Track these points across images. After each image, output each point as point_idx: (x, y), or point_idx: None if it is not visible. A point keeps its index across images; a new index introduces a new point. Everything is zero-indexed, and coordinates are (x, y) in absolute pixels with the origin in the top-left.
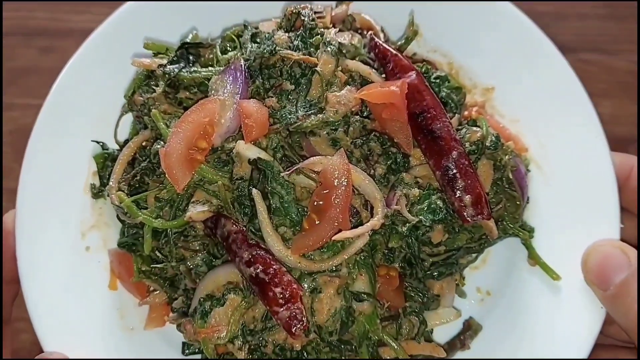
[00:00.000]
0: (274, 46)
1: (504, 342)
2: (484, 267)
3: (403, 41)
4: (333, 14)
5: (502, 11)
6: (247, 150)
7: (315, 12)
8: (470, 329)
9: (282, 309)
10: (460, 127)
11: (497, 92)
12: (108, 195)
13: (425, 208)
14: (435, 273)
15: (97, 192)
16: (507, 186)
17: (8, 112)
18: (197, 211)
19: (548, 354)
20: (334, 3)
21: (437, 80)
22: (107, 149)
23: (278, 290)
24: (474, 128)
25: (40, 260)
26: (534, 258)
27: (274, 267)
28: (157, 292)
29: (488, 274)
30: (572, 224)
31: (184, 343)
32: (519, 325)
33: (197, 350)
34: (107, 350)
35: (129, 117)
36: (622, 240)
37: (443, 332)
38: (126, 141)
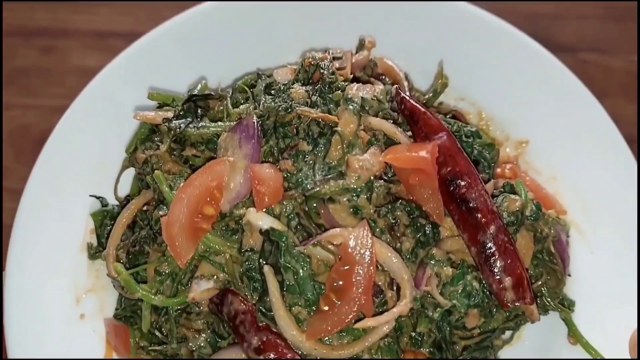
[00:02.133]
0: (290, 102)
1: None
2: (519, 343)
3: (431, 94)
4: (353, 60)
5: (534, 56)
6: (259, 219)
7: (334, 58)
8: None
9: None
10: (496, 193)
11: (532, 145)
12: (105, 260)
13: (460, 291)
14: (468, 358)
15: (94, 253)
16: (547, 259)
17: (8, 112)
18: (201, 290)
19: None
20: (353, 47)
21: (469, 139)
22: (106, 205)
23: None
24: (512, 196)
25: (29, 328)
26: (574, 336)
27: (288, 356)
28: None
29: (523, 351)
30: (618, 298)
31: None
32: None
33: None
34: None
35: (130, 171)
36: None
37: None
38: (127, 198)
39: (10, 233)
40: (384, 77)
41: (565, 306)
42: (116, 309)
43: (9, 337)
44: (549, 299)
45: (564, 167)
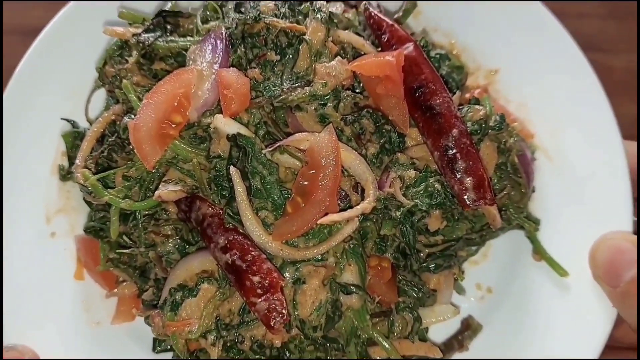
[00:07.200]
0: (259, 13)
1: (506, 343)
2: (485, 261)
3: (400, 14)
4: None
5: None
6: (226, 125)
7: None
8: (469, 328)
9: (260, 300)
10: (461, 106)
11: (503, 74)
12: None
13: (422, 191)
14: (432, 265)
15: (66, 174)
16: (511, 172)
17: None
18: (168, 190)
19: (554, 357)
20: None
21: (437, 56)
22: (77, 128)
23: (256, 279)
24: (477, 106)
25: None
26: (539, 252)
27: (253, 253)
28: (127, 283)
29: (489, 270)
30: (582, 216)
31: (154, 339)
32: (523, 326)
33: (169, 347)
34: (70, 346)
35: (103, 94)
36: (636, 233)
37: (439, 331)
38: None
39: None
40: (356, 5)
41: (531, 221)
42: (86, 223)
43: None
44: (513, 213)
45: (533, 95)
